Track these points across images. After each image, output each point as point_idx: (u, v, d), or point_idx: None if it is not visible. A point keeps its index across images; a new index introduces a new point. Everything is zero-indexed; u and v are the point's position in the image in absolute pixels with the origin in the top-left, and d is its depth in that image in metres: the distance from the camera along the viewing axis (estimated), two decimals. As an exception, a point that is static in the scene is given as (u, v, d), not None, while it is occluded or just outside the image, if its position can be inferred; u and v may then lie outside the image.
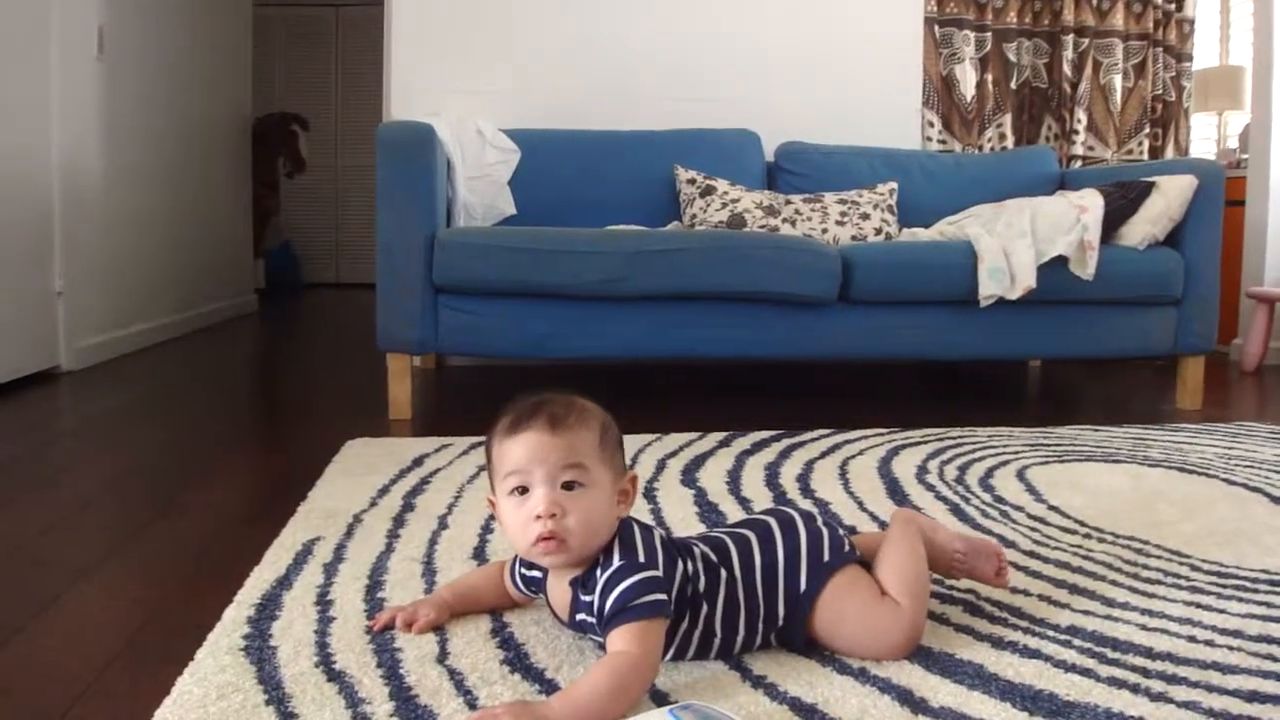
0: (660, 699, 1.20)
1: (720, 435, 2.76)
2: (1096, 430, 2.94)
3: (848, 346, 3.26)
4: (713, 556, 1.32)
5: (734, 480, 2.31)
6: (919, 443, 2.71)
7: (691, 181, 3.80)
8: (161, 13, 5.07)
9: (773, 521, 1.38)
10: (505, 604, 1.46)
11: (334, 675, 1.25)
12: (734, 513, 2.03)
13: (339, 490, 2.15)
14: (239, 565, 1.64)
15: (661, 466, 2.42)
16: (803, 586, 1.32)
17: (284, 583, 1.57)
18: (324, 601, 1.50)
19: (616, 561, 1.23)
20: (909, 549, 1.38)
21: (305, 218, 9.06)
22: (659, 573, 1.23)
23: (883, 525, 1.92)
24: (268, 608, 1.46)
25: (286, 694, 1.20)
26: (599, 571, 1.24)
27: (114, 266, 4.41)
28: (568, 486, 1.23)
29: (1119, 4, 4.84)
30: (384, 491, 2.15)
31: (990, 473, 2.39)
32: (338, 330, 6.13)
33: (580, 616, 1.28)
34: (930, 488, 2.25)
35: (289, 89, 8.88)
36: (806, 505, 2.08)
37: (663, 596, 1.21)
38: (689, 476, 2.33)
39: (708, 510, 2.06)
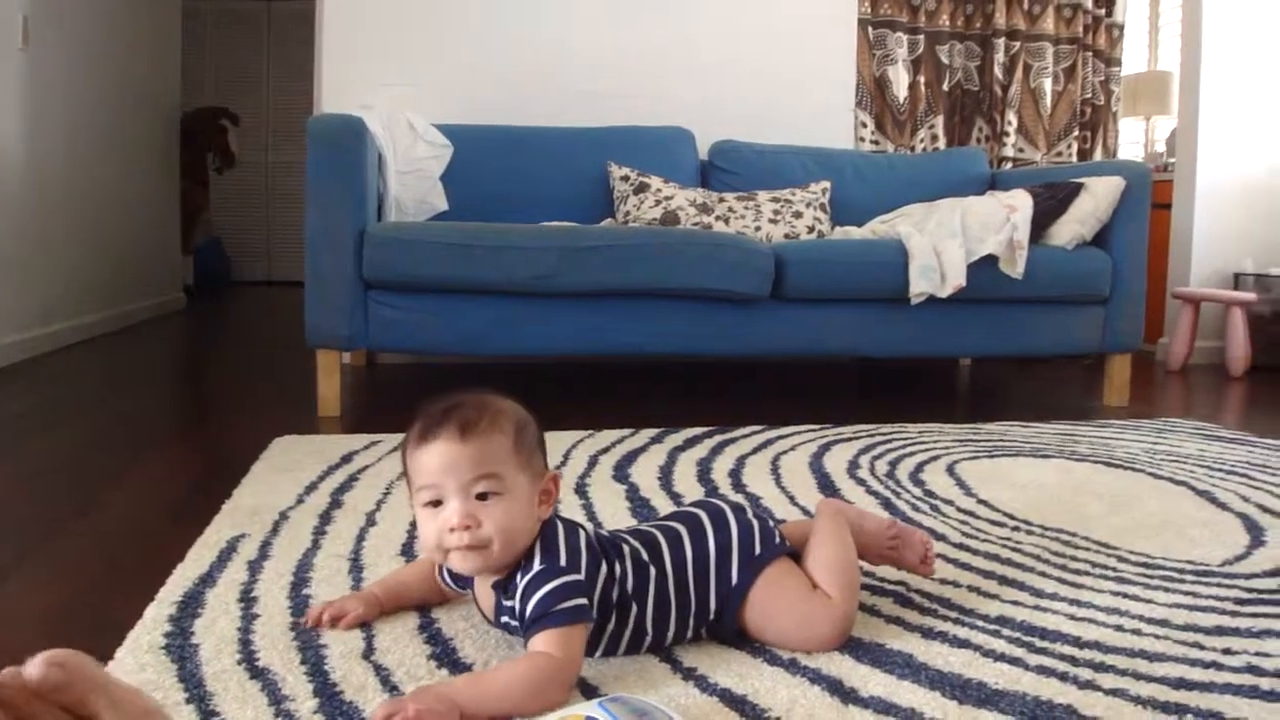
0: (590, 691, 1.18)
1: (652, 431, 2.75)
2: (1025, 426, 2.98)
3: (780, 343, 3.27)
4: (643, 554, 1.31)
5: (666, 476, 2.30)
6: (850, 439, 2.72)
7: (625, 178, 3.79)
8: (87, 3, 4.97)
9: (703, 514, 1.37)
10: (436, 599, 1.44)
11: (257, 673, 1.22)
12: (665, 508, 2.01)
13: (265, 487, 2.11)
14: (161, 563, 1.60)
15: (593, 463, 2.41)
16: (734, 580, 1.31)
17: (207, 580, 1.54)
18: (248, 599, 1.46)
19: (536, 566, 1.21)
20: (838, 541, 1.38)
21: (236, 214, 8.93)
22: (579, 576, 1.21)
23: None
24: (190, 605, 1.43)
25: (208, 692, 1.17)
26: (519, 576, 1.21)
27: (35, 263, 4.30)
28: (482, 496, 1.19)
29: (1049, 8, 4.91)
30: (311, 488, 2.11)
31: (920, 468, 2.40)
32: (268, 328, 6.04)
33: (504, 619, 1.27)
34: (861, 482, 2.26)
35: (219, 83, 8.76)
36: (738, 499, 2.08)
37: (583, 601, 1.19)
38: (621, 472, 2.32)
39: (639, 506, 2.05)
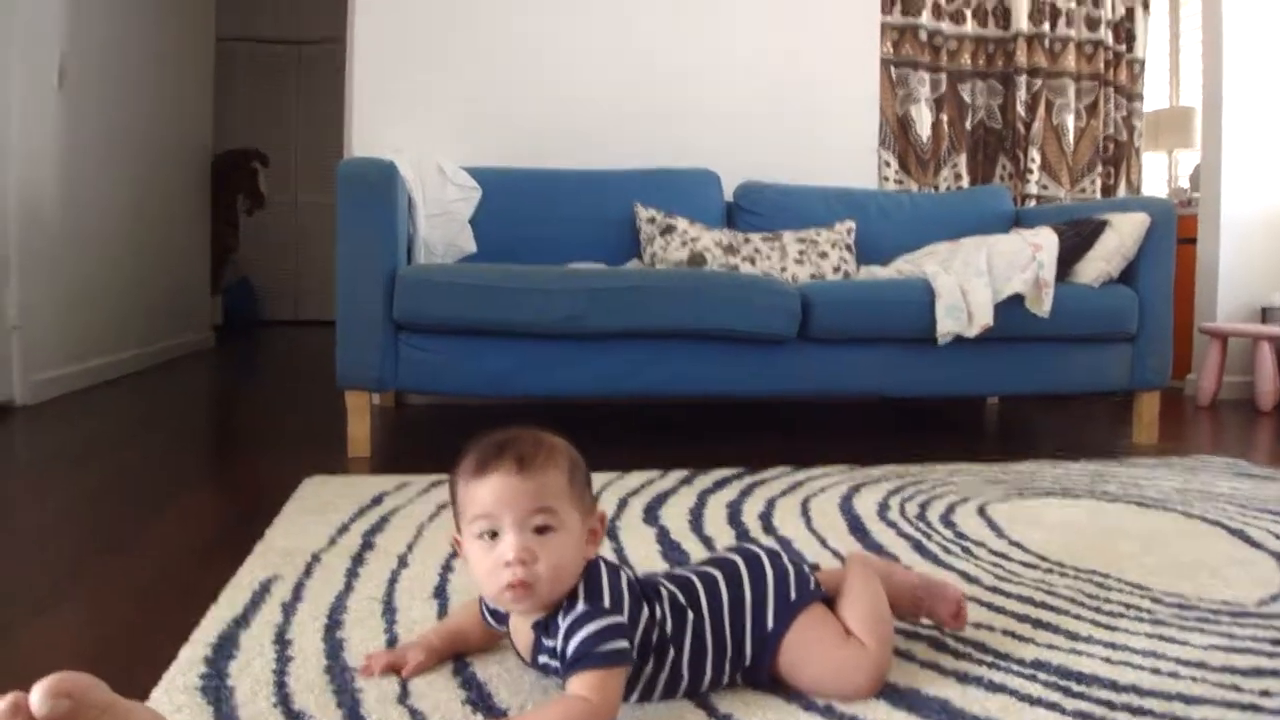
0: (626, 738, 1.18)
1: (682, 473, 2.75)
2: (1055, 465, 2.96)
3: (807, 384, 3.27)
4: (680, 598, 1.31)
5: (696, 518, 2.30)
6: (879, 480, 2.71)
7: (651, 220, 3.81)
8: (123, 46, 5.06)
9: (739, 560, 1.37)
10: (492, 644, 1.43)
11: (293, 715, 1.23)
12: (696, 551, 2.02)
13: (297, 528, 2.13)
14: (195, 603, 1.61)
15: (623, 505, 2.41)
16: (769, 625, 1.31)
17: (241, 621, 1.54)
18: (282, 641, 1.47)
19: (580, 607, 1.21)
20: (871, 590, 1.38)
21: (264, 254, 9.00)
22: (623, 619, 1.21)
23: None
24: (225, 647, 1.44)
25: (244, 735, 1.18)
26: (561, 617, 1.21)
27: (71, 301, 4.36)
28: (538, 530, 1.20)
29: (1070, 45, 4.93)
30: (343, 530, 2.12)
31: (951, 509, 2.40)
32: (296, 367, 6.08)
33: (543, 659, 1.26)
34: (892, 524, 2.26)
35: (249, 125, 8.85)
36: (769, 543, 2.07)
37: (624, 644, 1.19)
38: (651, 515, 2.32)
39: (670, 549, 2.05)
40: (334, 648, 1.45)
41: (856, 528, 2.23)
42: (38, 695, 0.75)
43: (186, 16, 6.22)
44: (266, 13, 9.11)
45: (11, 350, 3.81)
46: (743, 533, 2.18)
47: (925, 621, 1.54)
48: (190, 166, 6.38)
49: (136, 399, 4.37)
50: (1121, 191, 5.02)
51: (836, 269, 3.72)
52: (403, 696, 1.29)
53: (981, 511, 2.37)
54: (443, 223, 3.65)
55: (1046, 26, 4.89)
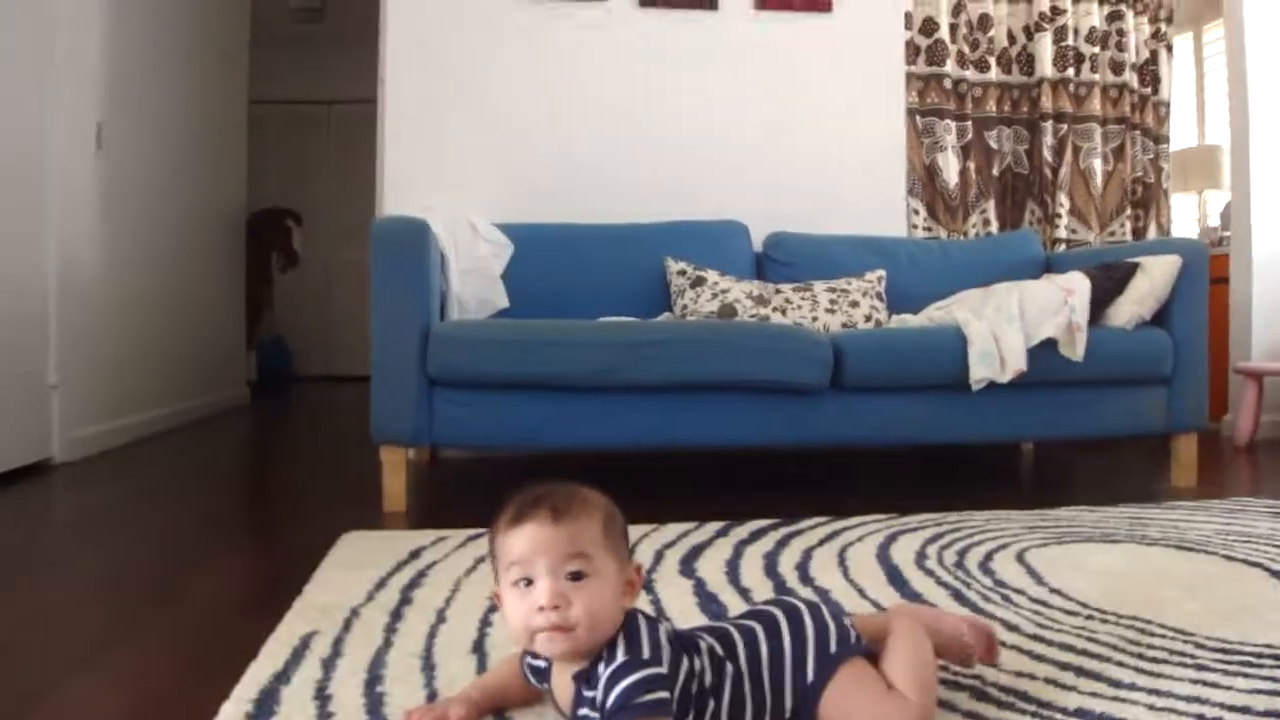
0: (668, 792, 1.18)
1: (717, 525, 2.75)
2: (1093, 510, 2.94)
3: (841, 433, 3.26)
4: (719, 650, 1.31)
5: (733, 570, 2.29)
6: (916, 528, 2.70)
7: (682, 273, 3.83)
8: (159, 110, 5.16)
9: (778, 613, 1.37)
10: (532, 699, 1.43)
11: (336, 774, 1.23)
12: (734, 603, 2.01)
13: (335, 584, 2.13)
14: (235, 660, 1.62)
15: (659, 557, 2.41)
16: (810, 678, 1.31)
17: (281, 678, 1.55)
18: (323, 697, 1.48)
19: (620, 657, 1.21)
20: (915, 642, 1.37)
21: (297, 311, 9.10)
22: (663, 670, 1.21)
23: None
24: (266, 703, 1.44)
25: (288, 794, 1.18)
26: (601, 667, 1.22)
27: (109, 359, 4.43)
28: (573, 577, 1.21)
29: (1095, 90, 4.94)
30: (381, 585, 2.13)
31: (989, 556, 2.38)
32: (330, 423, 6.12)
33: (583, 711, 1.26)
34: (930, 573, 2.24)
35: (282, 184, 8.97)
36: (807, 594, 2.07)
37: (665, 695, 1.19)
38: (687, 566, 2.32)
39: (707, 601, 2.04)
40: (374, 703, 1.45)
41: (894, 577, 2.21)
42: None
43: (221, 80, 6.35)
44: (299, 75, 9.27)
45: (51, 408, 3.87)
46: (779, 584, 2.17)
47: (967, 670, 1.53)
48: (225, 226, 6.48)
49: (174, 456, 4.41)
50: (1152, 234, 5.01)
51: (868, 318, 3.72)
52: (444, 752, 1.29)
53: (1020, 558, 2.36)
54: (475, 279, 3.69)
55: (1071, 72, 4.91)
